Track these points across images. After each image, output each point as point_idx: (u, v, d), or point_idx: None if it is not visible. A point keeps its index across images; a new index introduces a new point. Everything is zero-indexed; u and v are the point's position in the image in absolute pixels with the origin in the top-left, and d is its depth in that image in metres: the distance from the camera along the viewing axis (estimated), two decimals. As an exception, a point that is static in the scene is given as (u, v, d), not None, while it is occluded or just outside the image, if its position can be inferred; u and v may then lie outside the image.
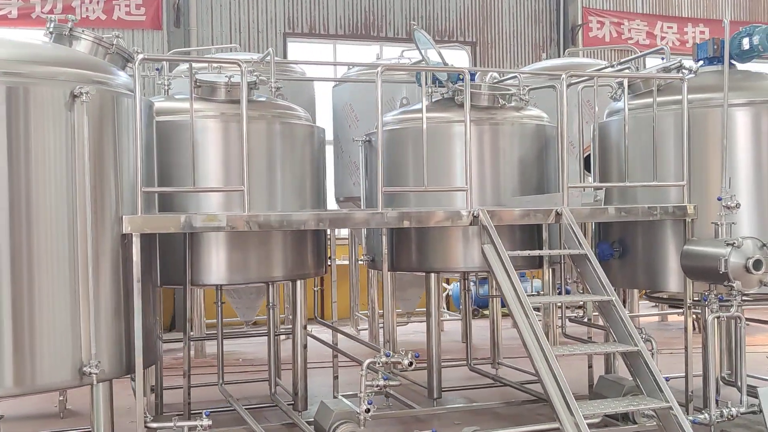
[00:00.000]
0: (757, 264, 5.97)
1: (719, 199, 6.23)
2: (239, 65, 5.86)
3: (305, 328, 7.40)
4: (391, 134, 7.91)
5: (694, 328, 7.50)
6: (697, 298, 6.60)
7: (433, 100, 8.04)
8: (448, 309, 13.81)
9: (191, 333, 10.40)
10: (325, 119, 10.50)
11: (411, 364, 5.85)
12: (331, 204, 9.65)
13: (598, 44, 15.76)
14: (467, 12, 15.47)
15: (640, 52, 9.83)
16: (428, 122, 7.73)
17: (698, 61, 7.57)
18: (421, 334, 12.15)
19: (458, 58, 14.44)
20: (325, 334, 8.47)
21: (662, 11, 16.69)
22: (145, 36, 13.65)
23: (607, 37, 15.92)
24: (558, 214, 6.27)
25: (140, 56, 5.57)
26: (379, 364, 5.84)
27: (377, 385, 5.83)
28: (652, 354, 6.46)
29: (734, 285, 5.94)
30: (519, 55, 15.61)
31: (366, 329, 11.67)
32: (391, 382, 5.88)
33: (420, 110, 8.03)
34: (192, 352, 10.57)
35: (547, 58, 13.91)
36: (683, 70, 7.09)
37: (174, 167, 6.68)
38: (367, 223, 6.28)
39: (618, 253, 7.17)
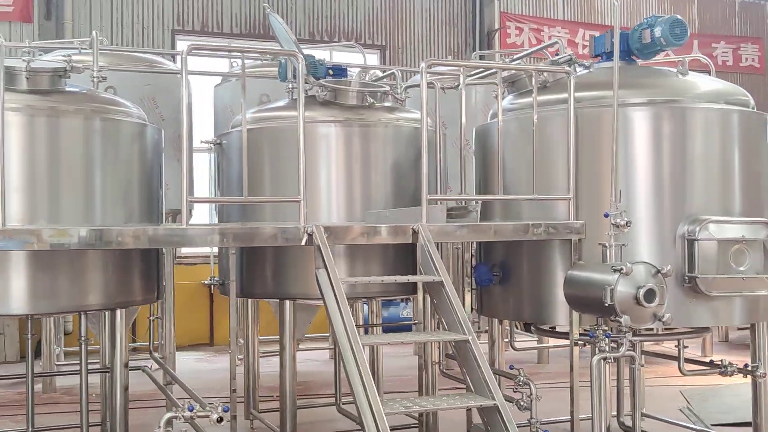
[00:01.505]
0: (650, 295, 4.92)
1: (606, 215, 5.18)
2: None
3: (126, 365, 6.13)
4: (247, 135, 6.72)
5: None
6: (586, 331, 5.55)
7: (293, 97, 6.90)
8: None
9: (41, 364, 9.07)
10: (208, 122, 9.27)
11: (220, 420, 4.65)
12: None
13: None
14: (377, 13, 14.40)
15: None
16: (286, 122, 6.73)
17: (596, 56, 6.57)
18: (312, 363, 11.00)
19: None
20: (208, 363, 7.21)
21: (584, 18, 15.86)
22: (13, 28, 12.25)
23: (526, 44, 14.98)
24: (415, 232, 5.15)
25: None
26: (180, 419, 4.64)
27: (179, 446, 4.63)
28: (531, 400, 5.38)
29: (621, 320, 4.87)
30: (432, 60, 14.57)
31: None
32: (200, 441, 4.69)
33: (280, 108, 7.04)
34: (40, 386, 9.32)
35: (459, 64, 12.88)
36: (575, 65, 6.08)
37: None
38: (170, 242, 5.04)
39: (498, 279, 6.08)
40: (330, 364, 10.70)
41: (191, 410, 4.61)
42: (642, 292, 4.89)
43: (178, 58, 7.23)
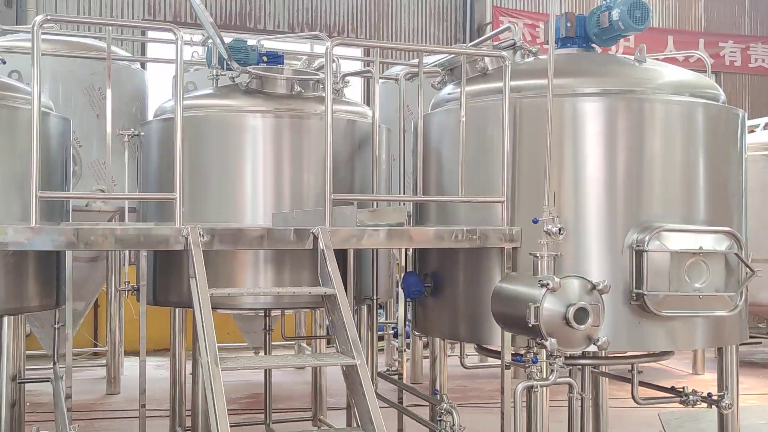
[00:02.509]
0: (581, 314, 4.19)
1: (535, 221, 4.48)
2: None
3: (14, 379, 5.49)
4: (166, 125, 6.09)
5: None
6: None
7: (220, 84, 6.26)
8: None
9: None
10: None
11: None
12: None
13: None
14: (360, 6, 13.73)
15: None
16: (208, 111, 6.12)
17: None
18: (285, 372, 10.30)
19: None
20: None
21: (583, 11, 15.07)
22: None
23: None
24: (315, 237, 4.46)
25: None
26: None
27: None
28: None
29: (546, 343, 4.15)
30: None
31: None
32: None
33: (201, 96, 6.40)
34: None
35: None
36: (519, 50, 5.39)
37: None
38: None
39: (429, 290, 5.39)
40: (299, 374, 10.06)
41: (36, 439, 3.96)
42: (572, 311, 4.17)
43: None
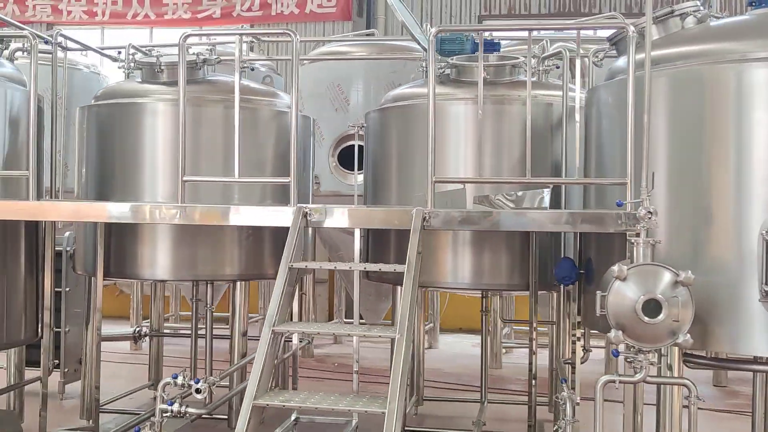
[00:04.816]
0: (651, 307, 3.80)
1: (619, 204, 4.13)
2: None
3: (244, 335, 6.52)
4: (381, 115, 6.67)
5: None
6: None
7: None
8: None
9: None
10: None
11: (199, 391, 4.83)
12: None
13: None
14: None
15: None
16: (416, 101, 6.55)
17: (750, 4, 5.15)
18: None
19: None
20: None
21: None
22: (335, 27, 13.50)
23: None
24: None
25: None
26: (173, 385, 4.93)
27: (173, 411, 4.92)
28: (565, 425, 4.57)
29: (611, 335, 3.85)
30: None
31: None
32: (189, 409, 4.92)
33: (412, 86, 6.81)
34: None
35: None
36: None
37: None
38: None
39: (581, 277, 5.18)
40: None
41: (175, 377, 4.86)
42: (641, 302, 3.81)
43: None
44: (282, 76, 10.22)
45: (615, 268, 3.88)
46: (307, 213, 4.94)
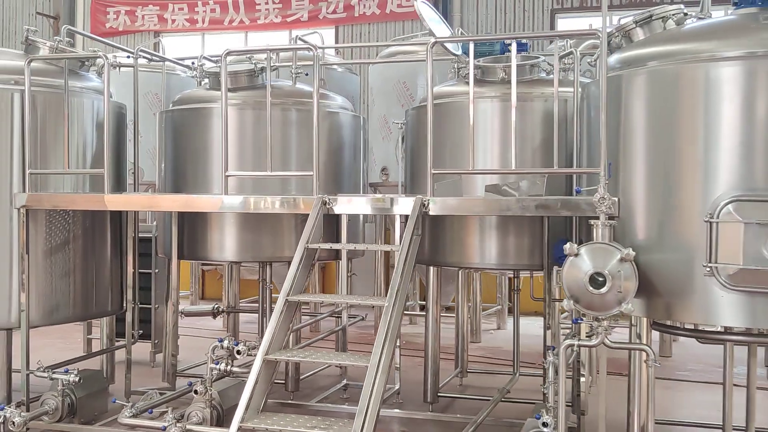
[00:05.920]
0: (596, 280, 4.40)
1: (578, 191, 4.74)
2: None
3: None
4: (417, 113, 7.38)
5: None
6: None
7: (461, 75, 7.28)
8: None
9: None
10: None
11: (239, 352, 5.72)
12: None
13: None
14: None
15: None
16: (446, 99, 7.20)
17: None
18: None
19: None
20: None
21: None
22: (414, 26, 14.19)
23: None
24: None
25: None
26: (221, 348, 5.84)
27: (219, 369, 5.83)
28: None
29: (564, 305, 4.48)
30: None
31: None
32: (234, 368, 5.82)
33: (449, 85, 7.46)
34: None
35: None
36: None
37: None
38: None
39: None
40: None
41: (221, 341, 5.76)
42: (587, 276, 4.42)
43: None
44: (358, 75, 11.11)
45: (567, 246, 4.49)
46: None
